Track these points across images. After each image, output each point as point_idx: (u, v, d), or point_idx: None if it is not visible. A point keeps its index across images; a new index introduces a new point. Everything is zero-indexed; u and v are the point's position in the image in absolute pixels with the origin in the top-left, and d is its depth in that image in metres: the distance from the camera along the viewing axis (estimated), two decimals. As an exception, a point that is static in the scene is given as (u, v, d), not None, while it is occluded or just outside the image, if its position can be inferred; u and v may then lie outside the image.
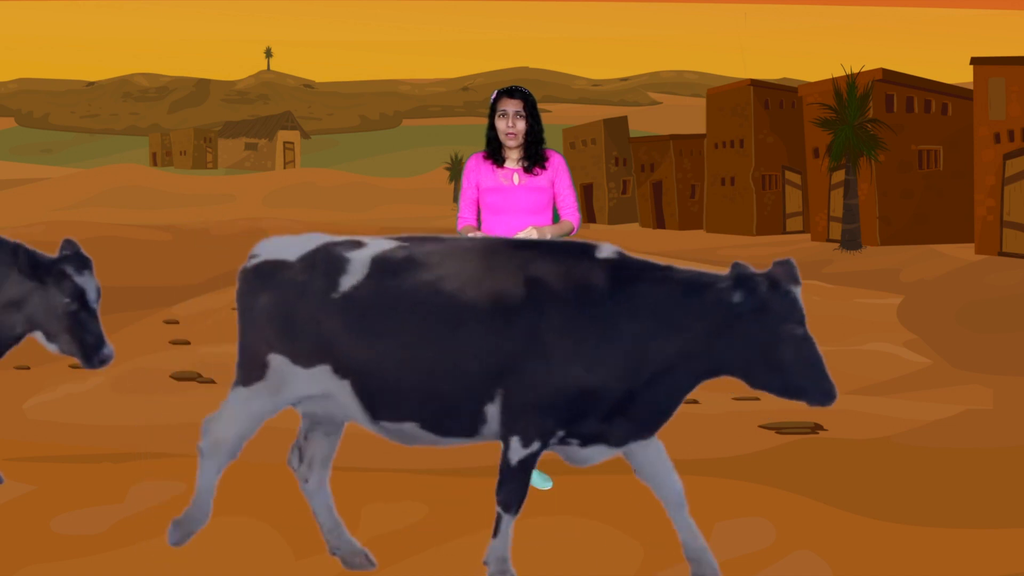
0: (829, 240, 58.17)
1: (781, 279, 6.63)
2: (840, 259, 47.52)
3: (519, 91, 8.85)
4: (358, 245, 7.05)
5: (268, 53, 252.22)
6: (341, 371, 6.85)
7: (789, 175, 67.20)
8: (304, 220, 79.10)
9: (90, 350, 8.45)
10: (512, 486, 6.78)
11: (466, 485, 9.12)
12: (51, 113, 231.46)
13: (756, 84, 68.40)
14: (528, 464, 6.76)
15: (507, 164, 8.89)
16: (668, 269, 6.76)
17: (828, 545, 7.78)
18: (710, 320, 6.60)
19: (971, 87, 50.12)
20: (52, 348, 8.57)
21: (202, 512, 7.25)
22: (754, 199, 67.31)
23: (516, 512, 6.82)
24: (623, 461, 10.06)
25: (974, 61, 48.43)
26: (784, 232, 66.68)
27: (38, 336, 8.58)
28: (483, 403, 6.73)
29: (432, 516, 8.33)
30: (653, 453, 6.98)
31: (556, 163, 8.90)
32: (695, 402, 14.30)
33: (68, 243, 8.56)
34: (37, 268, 8.41)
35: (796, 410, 14.25)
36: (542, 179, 8.86)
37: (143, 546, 7.61)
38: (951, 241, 54.52)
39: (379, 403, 6.84)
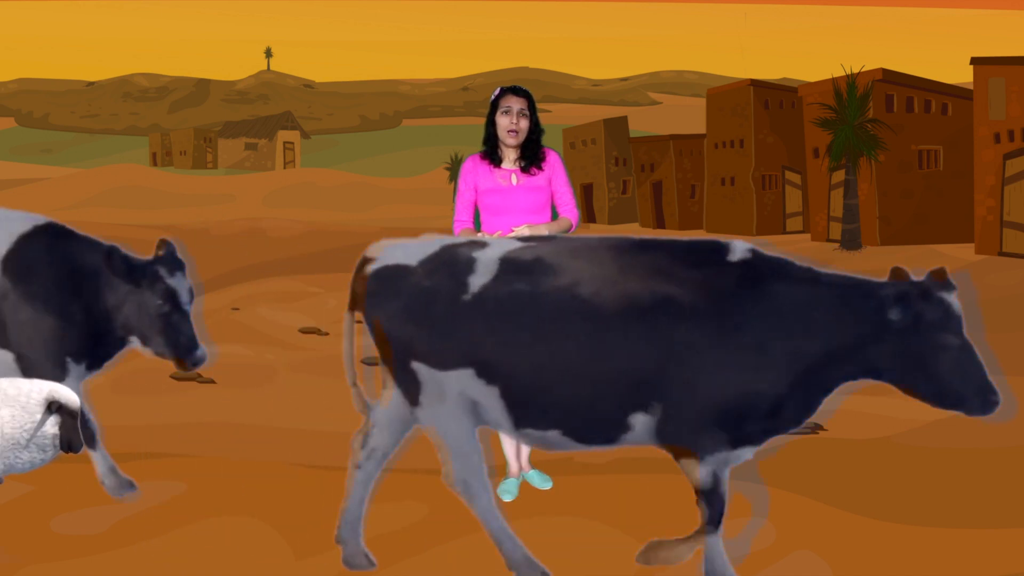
0: (829, 240, 58.21)
1: (934, 288, 6.51)
2: (840, 259, 47.53)
3: (523, 89, 8.88)
4: (481, 245, 6.91)
5: (268, 53, 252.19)
6: (487, 376, 6.70)
7: (789, 175, 67.23)
8: (304, 220, 79.07)
9: (183, 351, 8.35)
10: (710, 504, 6.71)
11: (466, 485, 9.10)
12: (51, 113, 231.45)
13: (756, 84, 68.44)
14: (719, 476, 6.66)
15: (504, 164, 8.89)
16: (813, 270, 6.64)
17: (828, 545, 7.78)
18: (862, 328, 6.49)
19: (971, 87, 50.15)
20: (148, 352, 8.45)
21: (516, 548, 7.01)
22: (754, 199, 67.34)
23: (718, 528, 6.75)
24: (624, 461, 10.07)
25: (974, 61, 48.45)
26: (784, 232, 66.73)
27: (135, 342, 8.46)
28: (628, 412, 6.60)
29: (432, 516, 8.33)
30: None
31: (552, 161, 8.91)
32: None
33: (164, 243, 8.48)
34: (132, 271, 8.33)
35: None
36: (540, 178, 8.86)
37: (143, 546, 7.61)
38: (951, 241, 54.53)
39: (525, 411, 6.69)
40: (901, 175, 56.97)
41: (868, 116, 55.06)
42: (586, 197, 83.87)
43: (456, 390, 6.76)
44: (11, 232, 8.40)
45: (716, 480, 6.69)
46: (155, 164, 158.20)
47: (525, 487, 8.97)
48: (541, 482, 9.03)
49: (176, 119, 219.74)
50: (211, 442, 11.98)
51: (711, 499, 6.72)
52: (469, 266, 6.79)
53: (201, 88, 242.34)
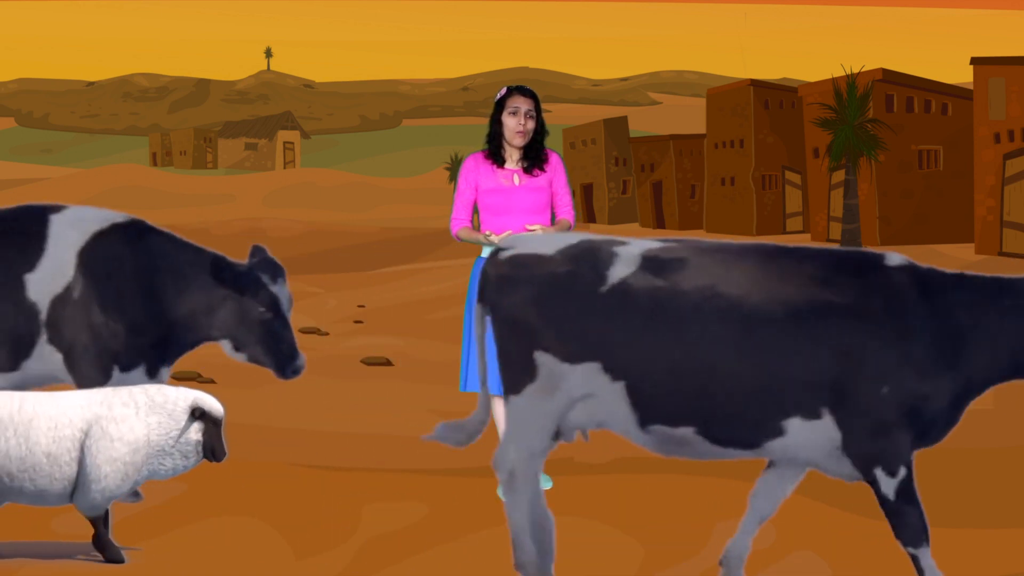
0: (829, 240, 58.24)
1: None
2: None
3: (530, 90, 8.90)
4: (622, 243, 6.74)
5: (268, 53, 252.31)
6: (613, 371, 6.54)
7: (789, 175, 67.26)
8: (304, 220, 79.17)
9: (284, 359, 8.17)
10: (907, 520, 6.52)
11: (466, 485, 9.11)
12: (51, 113, 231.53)
13: (756, 84, 68.49)
14: (907, 490, 6.50)
15: (507, 164, 8.89)
16: (959, 274, 6.57)
17: (828, 545, 7.78)
18: (1010, 327, 6.46)
19: (971, 87, 50.18)
20: (239, 357, 8.26)
21: (528, 553, 6.78)
22: (754, 199, 67.36)
23: (927, 543, 6.53)
24: (624, 461, 10.06)
25: (974, 61, 48.49)
26: (784, 232, 66.76)
27: (224, 345, 8.27)
28: (781, 416, 6.47)
29: (432, 516, 8.33)
30: (795, 472, 6.85)
31: (554, 163, 8.93)
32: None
33: (258, 249, 8.30)
34: (236, 278, 8.18)
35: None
36: (542, 180, 8.87)
37: (143, 546, 7.60)
38: (951, 241, 54.57)
39: (654, 406, 6.53)
40: (901, 175, 56.99)
41: (868, 116, 55.08)
42: (586, 197, 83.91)
43: (573, 385, 6.60)
44: (87, 230, 8.31)
45: (908, 489, 6.53)
46: (155, 164, 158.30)
47: (525, 487, 8.95)
48: (541, 482, 9.02)
49: (176, 119, 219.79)
50: (211, 442, 11.98)
51: (909, 512, 6.55)
52: (609, 258, 6.63)
53: (201, 88, 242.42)
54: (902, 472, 6.52)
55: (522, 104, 8.82)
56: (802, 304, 6.48)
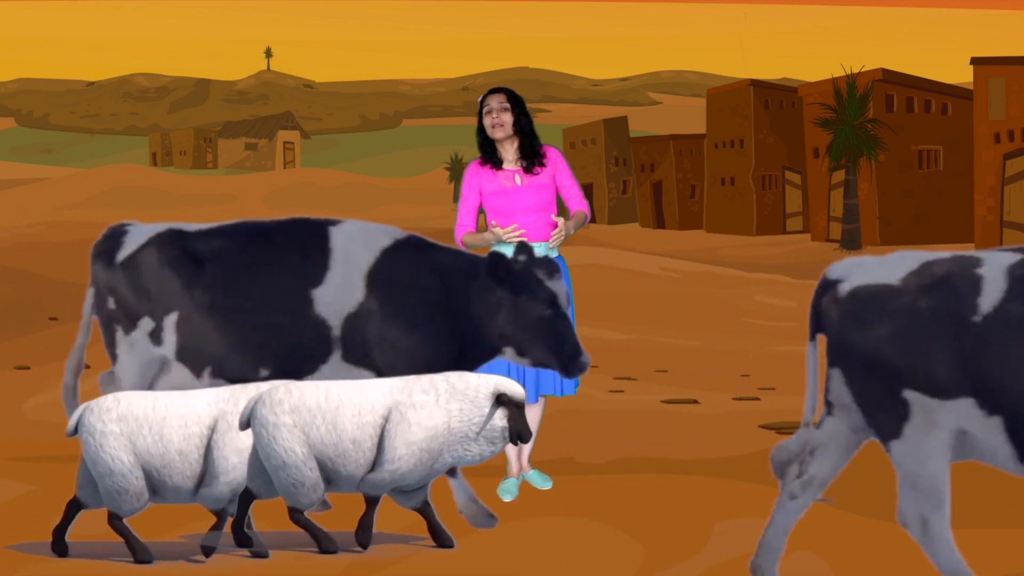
0: (829, 240, 58.27)
1: None
2: (840, 259, 47.59)
3: (501, 88, 8.99)
4: (976, 260, 6.30)
5: (268, 53, 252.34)
6: (989, 406, 6.17)
7: (789, 175, 67.28)
8: (304, 220, 78.96)
9: (568, 359, 7.99)
10: None
11: (466, 485, 9.10)
12: (51, 113, 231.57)
13: (756, 84, 68.54)
14: None
15: (505, 165, 8.92)
16: None
17: (828, 545, 7.78)
18: None
19: (971, 87, 50.22)
20: (524, 363, 8.11)
21: (774, 552, 6.68)
22: (754, 199, 67.39)
23: None
24: (624, 461, 10.06)
25: (974, 61, 48.53)
26: (784, 232, 66.77)
27: (507, 353, 8.10)
28: None
29: (432, 516, 8.30)
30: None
31: (554, 157, 8.96)
32: (695, 402, 14.29)
33: (523, 246, 8.15)
34: (512, 276, 8.01)
35: (796, 410, 14.23)
36: (543, 176, 8.90)
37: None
38: (951, 241, 54.56)
39: None
40: (901, 175, 57.03)
41: (868, 116, 55.13)
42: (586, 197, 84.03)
43: (950, 421, 6.26)
44: (374, 246, 8.16)
45: None
46: (155, 164, 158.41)
47: (525, 487, 8.97)
48: (541, 482, 9.03)
49: (176, 119, 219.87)
50: (211, 442, 11.96)
51: None
52: (974, 284, 6.22)
53: (201, 88, 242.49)
54: None
55: (492, 102, 8.92)
56: None
